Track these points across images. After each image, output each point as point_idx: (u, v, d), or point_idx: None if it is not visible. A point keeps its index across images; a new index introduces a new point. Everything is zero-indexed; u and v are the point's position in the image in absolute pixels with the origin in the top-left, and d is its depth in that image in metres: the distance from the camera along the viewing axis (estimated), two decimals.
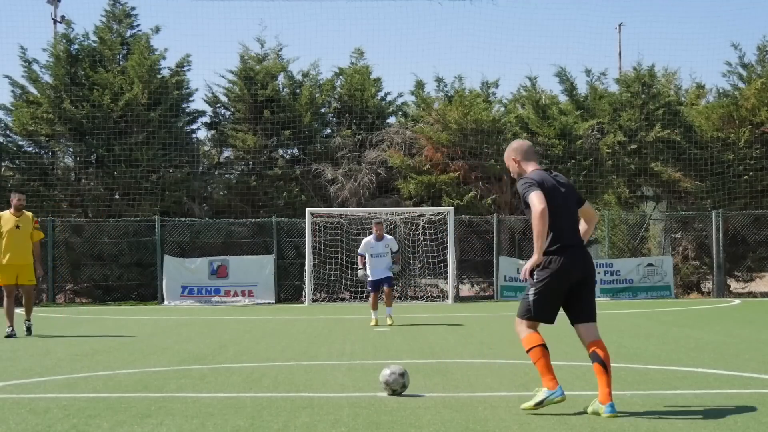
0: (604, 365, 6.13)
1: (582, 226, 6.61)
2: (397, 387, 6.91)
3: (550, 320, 6.32)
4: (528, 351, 6.28)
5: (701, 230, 26.15)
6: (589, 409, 6.16)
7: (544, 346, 6.23)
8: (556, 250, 6.21)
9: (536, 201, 6.10)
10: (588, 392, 7.09)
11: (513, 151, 6.52)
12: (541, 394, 6.14)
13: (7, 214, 13.29)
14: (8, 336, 12.76)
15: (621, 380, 7.78)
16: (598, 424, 5.79)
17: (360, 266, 15.73)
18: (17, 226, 13.17)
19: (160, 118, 25.79)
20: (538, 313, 6.26)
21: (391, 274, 15.60)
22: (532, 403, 6.16)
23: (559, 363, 9.05)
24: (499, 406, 6.46)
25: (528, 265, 6.23)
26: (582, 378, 7.98)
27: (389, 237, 15.97)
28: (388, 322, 14.99)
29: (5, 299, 13.30)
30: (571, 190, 6.50)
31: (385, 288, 15.36)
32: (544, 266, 6.21)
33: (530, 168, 6.43)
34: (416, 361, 9.30)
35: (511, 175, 6.63)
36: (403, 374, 6.94)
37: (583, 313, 6.30)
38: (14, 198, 13.39)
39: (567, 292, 6.26)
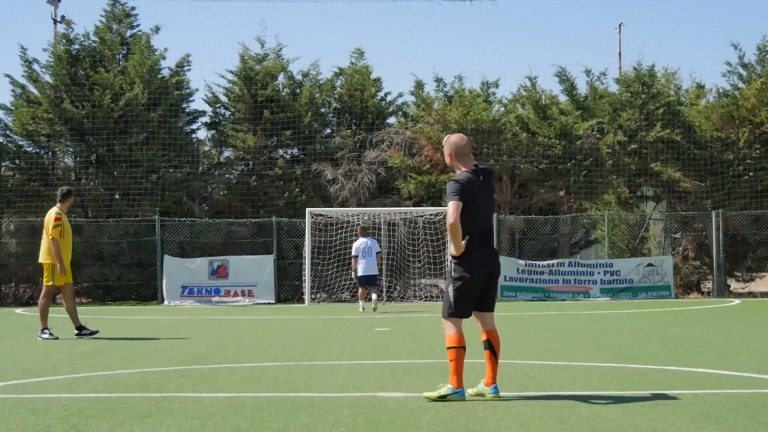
0: (494, 353, 6.87)
1: None
2: None
3: (467, 314, 6.87)
4: (448, 349, 6.85)
5: (701, 230, 26.14)
6: (473, 391, 6.79)
7: (463, 348, 6.79)
8: (470, 251, 6.71)
9: (451, 212, 6.63)
10: (589, 392, 7.10)
11: (450, 145, 6.92)
12: (446, 389, 6.66)
13: (60, 212, 12.85)
14: (91, 333, 12.62)
15: (621, 380, 7.79)
16: (597, 424, 5.79)
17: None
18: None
19: (160, 118, 25.80)
20: (458, 309, 6.81)
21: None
22: (435, 394, 6.66)
23: (559, 363, 9.07)
24: (499, 406, 6.46)
25: (452, 251, 6.79)
26: (582, 378, 7.98)
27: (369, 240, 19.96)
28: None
29: (69, 300, 12.90)
30: (492, 184, 7.00)
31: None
32: (460, 265, 6.76)
33: (462, 166, 6.86)
34: (416, 361, 9.31)
35: (447, 163, 7.07)
36: None
37: (487, 304, 6.94)
38: (71, 198, 13.12)
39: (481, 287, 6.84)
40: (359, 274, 19.47)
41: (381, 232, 23.93)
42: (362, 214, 23.94)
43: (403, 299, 24.17)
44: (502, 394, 6.86)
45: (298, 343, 11.71)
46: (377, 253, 19.74)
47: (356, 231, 21.33)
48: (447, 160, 6.99)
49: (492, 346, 6.85)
